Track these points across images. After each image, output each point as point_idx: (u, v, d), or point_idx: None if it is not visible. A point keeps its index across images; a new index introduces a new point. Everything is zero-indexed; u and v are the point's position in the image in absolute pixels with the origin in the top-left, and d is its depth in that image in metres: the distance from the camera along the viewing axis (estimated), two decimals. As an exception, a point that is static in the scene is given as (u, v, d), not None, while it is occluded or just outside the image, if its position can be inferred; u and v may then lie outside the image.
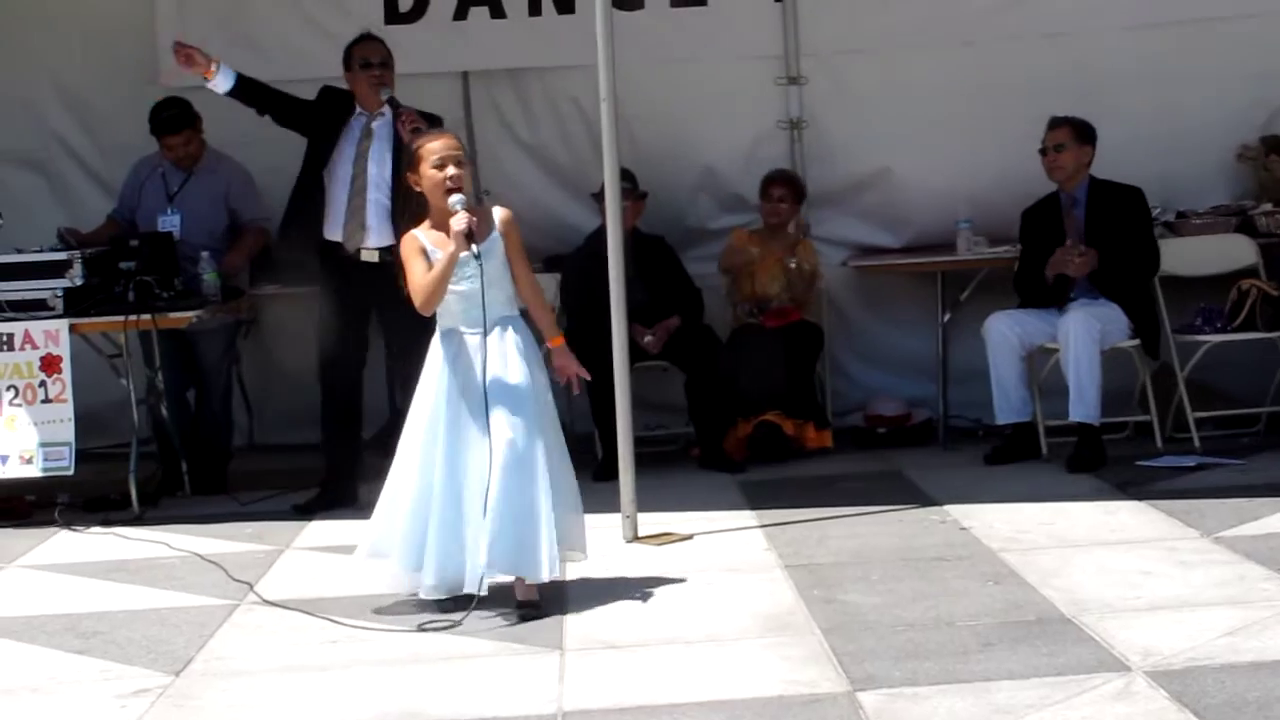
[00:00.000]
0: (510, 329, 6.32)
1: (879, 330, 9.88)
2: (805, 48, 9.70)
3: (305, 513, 8.25)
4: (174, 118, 9.02)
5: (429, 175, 6.29)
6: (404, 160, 7.86)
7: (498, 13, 9.71)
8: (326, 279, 8.31)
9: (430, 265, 6.26)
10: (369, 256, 8.09)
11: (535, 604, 6.24)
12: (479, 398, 6.24)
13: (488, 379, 6.23)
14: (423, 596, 6.31)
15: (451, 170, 6.26)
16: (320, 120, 8.25)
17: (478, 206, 6.40)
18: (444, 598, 6.28)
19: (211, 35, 9.64)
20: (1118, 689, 5.10)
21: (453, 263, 6.18)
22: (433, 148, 6.33)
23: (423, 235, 6.33)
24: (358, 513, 8.09)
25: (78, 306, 8.38)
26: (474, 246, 6.17)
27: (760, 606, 6.24)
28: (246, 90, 8.24)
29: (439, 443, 6.26)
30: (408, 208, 6.43)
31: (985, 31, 9.52)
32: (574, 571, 6.68)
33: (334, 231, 8.20)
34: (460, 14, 9.73)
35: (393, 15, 9.67)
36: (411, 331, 7.86)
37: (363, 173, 8.12)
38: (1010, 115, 9.25)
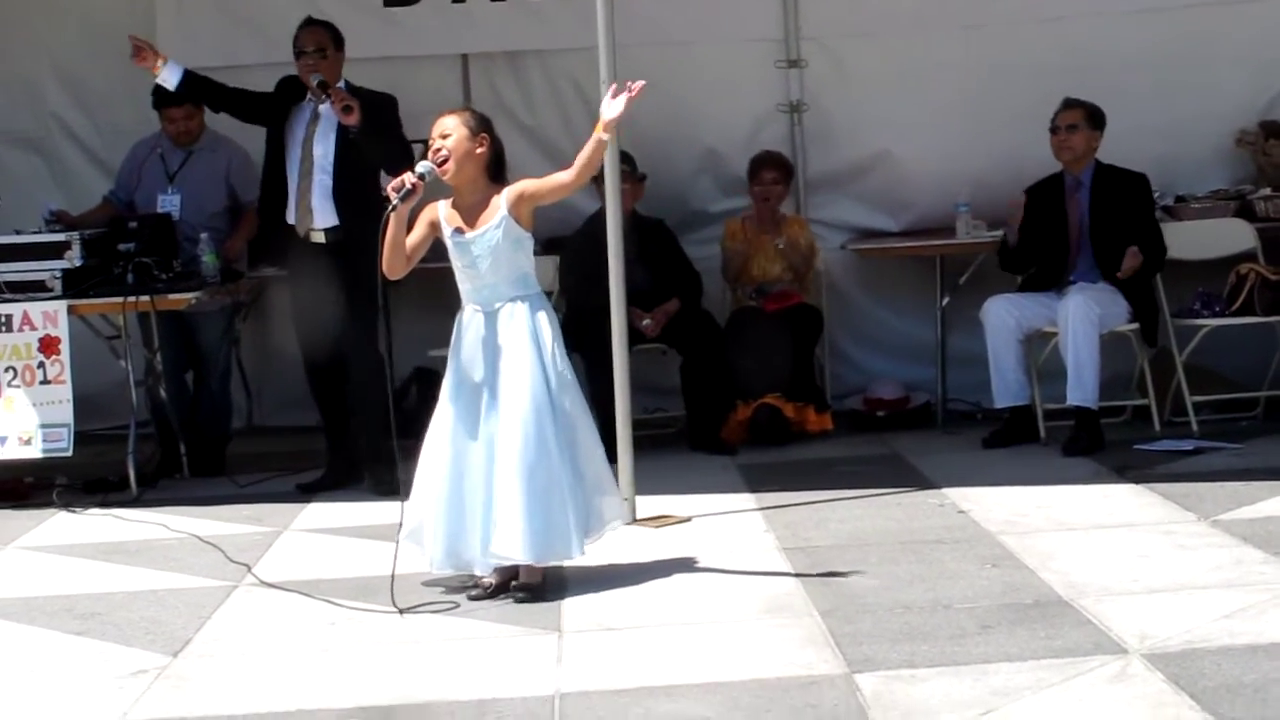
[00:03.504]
0: (521, 307, 6.32)
1: (878, 314, 9.88)
2: (805, 31, 9.71)
3: (307, 492, 8.27)
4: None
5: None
6: (343, 139, 7.96)
7: (497, -6, 9.71)
8: (292, 263, 8.39)
9: (424, 235, 6.36)
10: (317, 238, 8.15)
11: (535, 586, 6.25)
12: (485, 379, 6.28)
13: (494, 361, 6.27)
14: (434, 571, 6.36)
15: (437, 144, 6.31)
16: (279, 108, 8.31)
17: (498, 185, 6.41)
18: (453, 572, 6.36)
19: (210, 17, 9.67)
20: (1115, 671, 5.11)
21: (395, 222, 6.22)
22: (434, 129, 6.38)
23: (442, 208, 6.39)
24: (358, 494, 8.14)
25: (76, 288, 8.39)
26: (394, 197, 6.20)
27: (758, 589, 6.25)
28: (196, 85, 8.32)
29: (448, 421, 6.31)
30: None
31: (985, 15, 9.52)
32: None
33: (290, 215, 8.26)
34: (460, -4, 9.72)
35: (392, -3, 9.65)
36: (360, 314, 7.86)
37: (309, 155, 8.18)
38: (1010, 99, 9.26)
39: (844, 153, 9.73)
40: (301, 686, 5.42)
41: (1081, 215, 8.77)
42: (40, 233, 8.55)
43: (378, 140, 7.93)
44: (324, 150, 8.16)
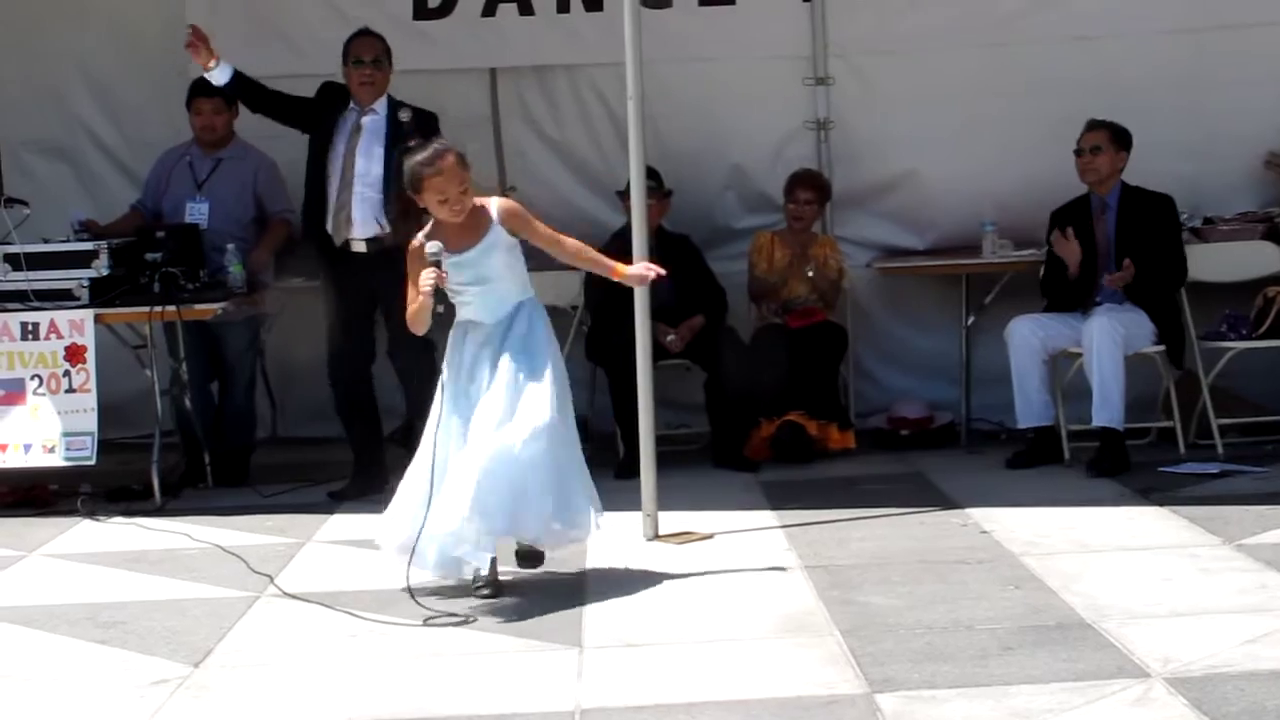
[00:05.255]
0: (525, 310, 6.47)
1: (903, 332, 9.87)
2: (833, 48, 9.70)
3: (338, 499, 8.34)
4: (210, 85, 9.04)
5: (432, 205, 6.38)
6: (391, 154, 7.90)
7: (526, 9, 9.70)
8: (326, 271, 8.46)
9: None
10: (357, 247, 8.18)
11: (538, 555, 6.51)
12: (490, 380, 6.38)
13: (503, 359, 6.39)
14: (436, 577, 6.45)
15: (454, 206, 6.37)
16: (319, 115, 8.38)
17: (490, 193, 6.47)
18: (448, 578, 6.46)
19: (241, 27, 9.68)
20: (1137, 695, 5.09)
21: (423, 309, 6.34)
22: (435, 184, 6.35)
23: (424, 242, 6.39)
24: (381, 505, 8.15)
25: (103, 297, 8.41)
26: (440, 307, 6.32)
27: (779, 607, 6.24)
28: (243, 86, 8.39)
29: (440, 428, 6.40)
30: (410, 212, 6.50)
31: (1013, 34, 9.49)
32: (594, 567, 6.77)
33: (328, 224, 8.29)
34: (489, 10, 9.72)
35: (421, 10, 9.67)
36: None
37: (351, 167, 8.25)
38: (1037, 118, 9.24)
39: (870, 170, 9.72)
40: (321, 698, 5.43)
41: (1108, 237, 8.75)
42: (68, 241, 8.58)
43: None
44: (368, 164, 8.22)
